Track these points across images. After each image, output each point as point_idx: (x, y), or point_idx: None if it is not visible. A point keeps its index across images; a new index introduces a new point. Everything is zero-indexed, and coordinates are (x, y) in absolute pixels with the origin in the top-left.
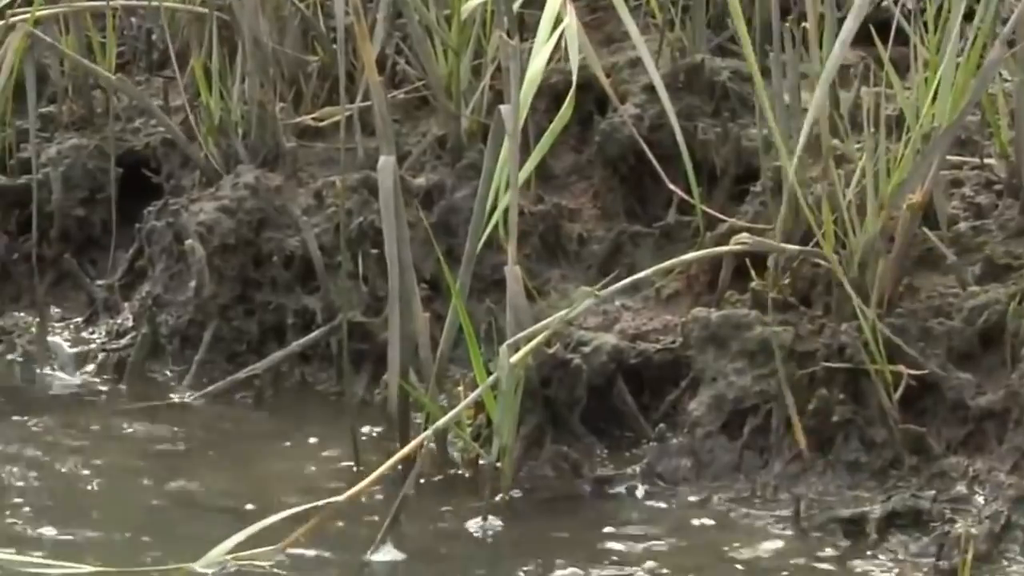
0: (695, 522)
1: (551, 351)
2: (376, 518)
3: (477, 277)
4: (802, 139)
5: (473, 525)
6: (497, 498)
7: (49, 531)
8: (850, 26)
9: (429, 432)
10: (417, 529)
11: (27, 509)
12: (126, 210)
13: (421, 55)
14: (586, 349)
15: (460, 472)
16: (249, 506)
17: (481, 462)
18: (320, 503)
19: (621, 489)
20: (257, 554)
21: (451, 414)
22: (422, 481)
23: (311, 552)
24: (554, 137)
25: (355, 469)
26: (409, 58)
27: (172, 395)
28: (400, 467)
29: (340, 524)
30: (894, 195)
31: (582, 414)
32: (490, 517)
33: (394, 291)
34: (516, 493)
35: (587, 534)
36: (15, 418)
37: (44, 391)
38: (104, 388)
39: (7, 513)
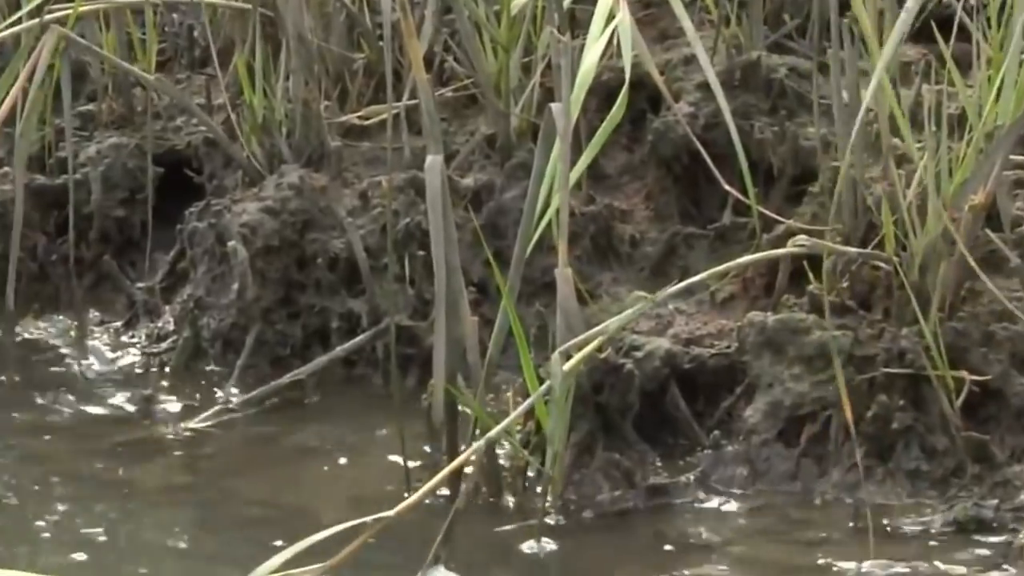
0: (751, 532)
1: (603, 356)
2: (420, 531)
3: (527, 280)
4: (854, 135)
5: (525, 541)
6: (548, 509)
7: (81, 547)
8: (905, 18)
9: (482, 443)
10: (466, 544)
11: (60, 521)
12: (167, 211)
13: (470, 52)
14: (639, 354)
15: (508, 480)
16: (293, 520)
17: (530, 471)
18: (369, 519)
19: (675, 498)
20: (303, 572)
21: (503, 424)
22: None
23: (356, 571)
24: (606, 137)
25: (406, 494)
26: (457, 55)
27: (214, 400)
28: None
29: (387, 539)
30: (956, 196)
31: (634, 421)
32: (543, 533)
33: (441, 294)
34: (567, 504)
35: (642, 546)
36: (50, 424)
37: (82, 395)
38: (144, 393)
39: (40, 526)
